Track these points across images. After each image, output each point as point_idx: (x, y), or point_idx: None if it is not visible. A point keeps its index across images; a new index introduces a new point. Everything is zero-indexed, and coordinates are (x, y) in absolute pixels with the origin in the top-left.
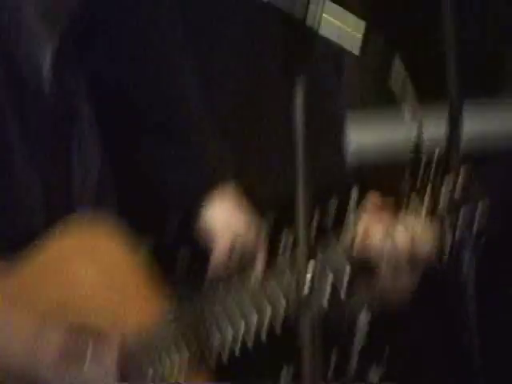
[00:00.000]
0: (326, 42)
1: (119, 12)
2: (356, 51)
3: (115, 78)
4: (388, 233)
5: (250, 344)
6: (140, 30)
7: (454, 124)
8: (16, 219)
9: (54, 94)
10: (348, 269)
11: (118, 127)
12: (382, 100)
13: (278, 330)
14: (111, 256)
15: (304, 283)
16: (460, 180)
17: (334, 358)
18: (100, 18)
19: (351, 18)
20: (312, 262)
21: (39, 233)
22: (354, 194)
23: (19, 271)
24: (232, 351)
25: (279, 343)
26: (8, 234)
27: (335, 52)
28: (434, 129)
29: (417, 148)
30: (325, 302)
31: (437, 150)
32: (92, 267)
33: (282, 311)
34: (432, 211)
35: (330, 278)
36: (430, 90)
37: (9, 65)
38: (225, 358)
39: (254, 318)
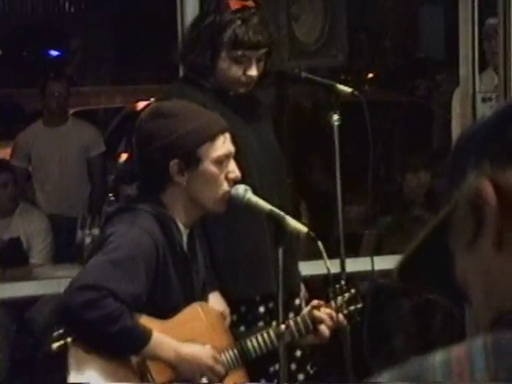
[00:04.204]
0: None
1: None
2: None
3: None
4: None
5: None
6: None
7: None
8: (170, 307)
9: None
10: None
11: None
12: None
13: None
14: (212, 319)
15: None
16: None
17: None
18: None
19: None
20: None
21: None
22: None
23: (171, 327)
24: None
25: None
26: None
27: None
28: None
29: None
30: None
31: (342, 282)
32: (205, 323)
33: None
34: (340, 306)
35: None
36: None
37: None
38: None
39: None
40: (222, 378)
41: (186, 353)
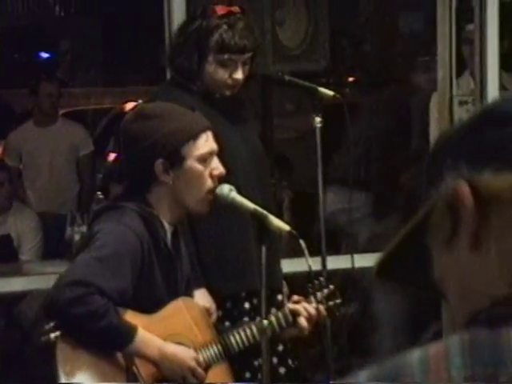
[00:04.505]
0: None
1: None
2: None
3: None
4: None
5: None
6: None
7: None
8: (154, 303)
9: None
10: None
11: None
12: None
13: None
14: (196, 313)
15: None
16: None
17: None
18: None
19: None
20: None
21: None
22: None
23: (156, 322)
24: None
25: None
26: (152, 307)
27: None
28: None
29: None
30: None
31: (321, 279)
32: (188, 318)
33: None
34: (319, 301)
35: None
36: None
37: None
38: None
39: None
40: (202, 381)
41: (169, 352)
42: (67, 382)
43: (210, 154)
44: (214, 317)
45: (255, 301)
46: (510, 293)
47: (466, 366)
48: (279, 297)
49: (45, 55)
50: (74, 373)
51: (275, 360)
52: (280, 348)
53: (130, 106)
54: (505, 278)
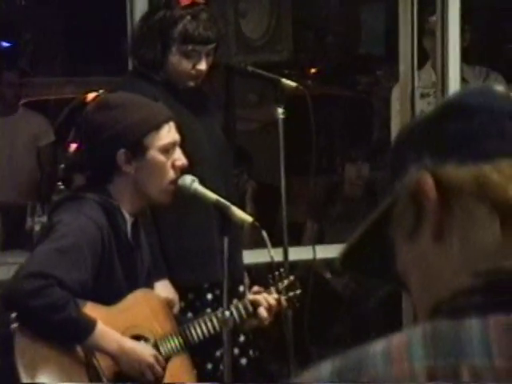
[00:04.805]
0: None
1: None
2: None
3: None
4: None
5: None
6: None
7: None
8: (114, 295)
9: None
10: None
11: None
12: None
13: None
14: (155, 305)
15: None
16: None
17: None
18: None
19: None
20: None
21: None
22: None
23: (115, 313)
24: None
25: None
26: (112, 299)
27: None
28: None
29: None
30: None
31: (281, 270)
32: (147, 309)
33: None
34: (279, 292)
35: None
36: None
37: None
38: None
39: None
40: (160, 377)
41: (128, 347)
42: (25, 374)
43: (173, 144)
44: (177, 308)
45: (218, 292)
46: (473, 284)
47: (428, 357)
48: (241, 288)
49: (6, 44)
50: (32, 365)
51: (236, 351)
52: (241, 339)
53: (91, 96)
54: (467, 269)
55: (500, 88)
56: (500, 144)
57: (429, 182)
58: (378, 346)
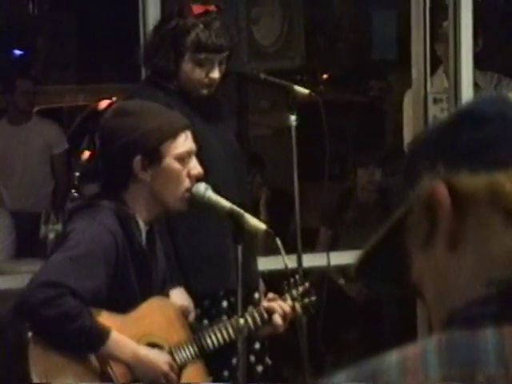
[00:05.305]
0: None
1: None
2: None
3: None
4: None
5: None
6: None
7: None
8: (128, 303)
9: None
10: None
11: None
12: None
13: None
14: (171, 313)
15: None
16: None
17: None
18: None
19: None
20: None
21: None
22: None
23: (130, 321)
24: None
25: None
26: (127, 307)
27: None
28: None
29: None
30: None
31: (296, 276)
32: (162, 317)
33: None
34: (294, 299)
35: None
36: None
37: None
38: None
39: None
40: None
41: (142, 355)
42: (40, 382)
43: (189, 153)
44: (192, 315)
45: (233, 299)
46: (487, 293)
47: (442, 366)
48: (256, 295)
49: (19, 53)
50: (46, 374)
51: (252, 358)
52: (257, 346)
53: (103, 103)
54: (481, 279)
55: None
56: None
57: (442, 190)
58: (393, 357)
